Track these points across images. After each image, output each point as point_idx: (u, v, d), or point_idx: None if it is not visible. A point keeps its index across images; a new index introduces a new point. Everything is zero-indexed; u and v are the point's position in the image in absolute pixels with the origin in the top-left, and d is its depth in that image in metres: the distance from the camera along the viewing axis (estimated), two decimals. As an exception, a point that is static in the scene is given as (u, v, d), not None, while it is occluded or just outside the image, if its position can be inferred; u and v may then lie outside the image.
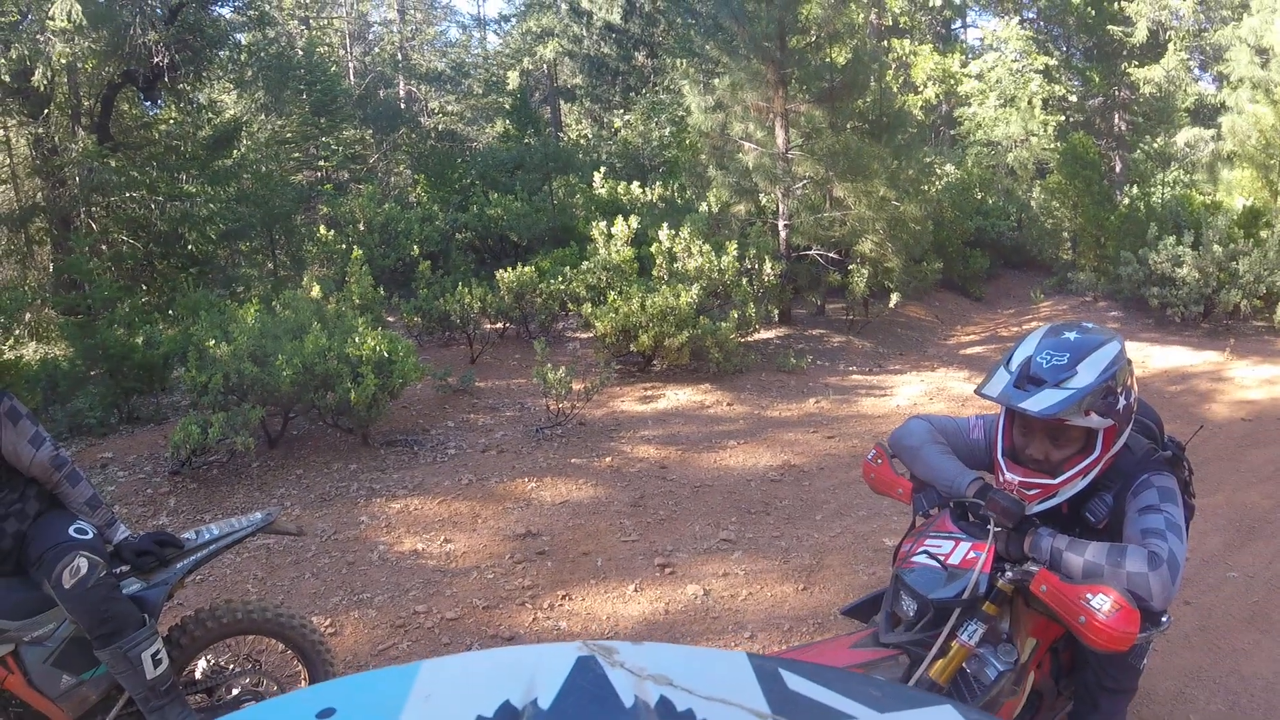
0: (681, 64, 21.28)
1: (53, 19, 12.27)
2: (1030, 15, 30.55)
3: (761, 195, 14.70)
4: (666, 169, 21.24)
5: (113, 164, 14.02)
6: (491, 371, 11.22)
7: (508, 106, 27.32)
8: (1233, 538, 6.51)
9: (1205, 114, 27.56)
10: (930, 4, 28.65)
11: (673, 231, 12.33)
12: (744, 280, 12.44)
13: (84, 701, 3.30)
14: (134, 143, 15.59)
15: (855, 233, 14.02)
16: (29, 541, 3.23)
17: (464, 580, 5.88)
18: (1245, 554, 6.21)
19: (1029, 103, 24.71)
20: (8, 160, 14.75)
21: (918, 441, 3.01)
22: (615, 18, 28.89)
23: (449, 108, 35.43)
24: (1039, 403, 2.49)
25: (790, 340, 13.77)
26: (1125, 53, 26.27)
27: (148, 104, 16.67)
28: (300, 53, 24.84)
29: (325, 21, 36.29)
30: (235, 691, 3.87)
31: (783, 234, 14.28)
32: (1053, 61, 27.54)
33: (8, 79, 13.17)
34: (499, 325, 12.66)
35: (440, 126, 32.17)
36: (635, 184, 18.00)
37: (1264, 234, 15.72)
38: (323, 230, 14.93)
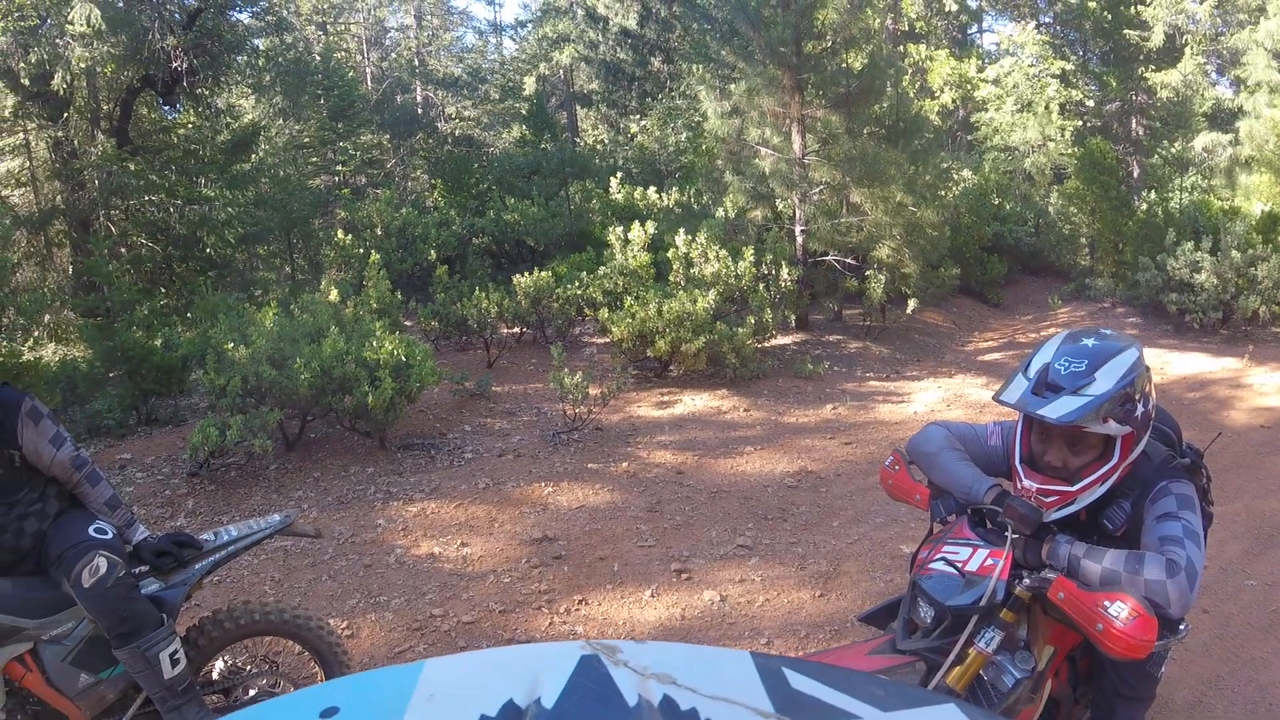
0: (697, 69, 21.27)
1: (72, 24, 12.35)
2: (1046, 20, 30.43)
3: (778, 201, 14.68)
4: (683, 174, 21.23)
5: (132, 168, 14.10)
6: (508, 376, 11.23)
7: (524, 112, 27.39)
8: (1251, 546, 6.45)
9: (1223, 118, 27.38)
10: (946, 9, 28.58)
11: (689, 237, 12.32)
12: (761, 286, 12.43)
13: (101, 700, 3.31)
14: (153, 147, 15.67)
15: (872, 238, 13.98)
16: (49, 540, 3.24)
17: (480, 584, 5.87)
18: (1264, 562, 6.15)
19: (1046, 107, 24.62)
20: (28, 163, 14.83)
21: (935, 448, 3.00)
22: (631, 23, 28.89)
23: (466, 113, 35.49)
24: (1057, 409, 2.47)
25: (807, 346, 13.74)
26: (1142, 57, 26.13)
27: (166, 108, 16.75)
28: (318, 58, 24.96)
29: (342, 27, 36.43)
30: (252, 692, 3.87)
31: (799, 239, 14.26)
32: (1069, 66, 27.43)
33: (28, 83, 13.25)
34: (516, 330, 12.68)
35: (457, 132, 32.23)
36: (652, 189, 17.98)
37: (1282, 239, 15.64)
38: (340, 234, 14.99)
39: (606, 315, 11.35)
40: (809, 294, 14.69)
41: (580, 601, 5.63)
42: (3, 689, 3.11)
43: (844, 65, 14.21)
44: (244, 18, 17.32)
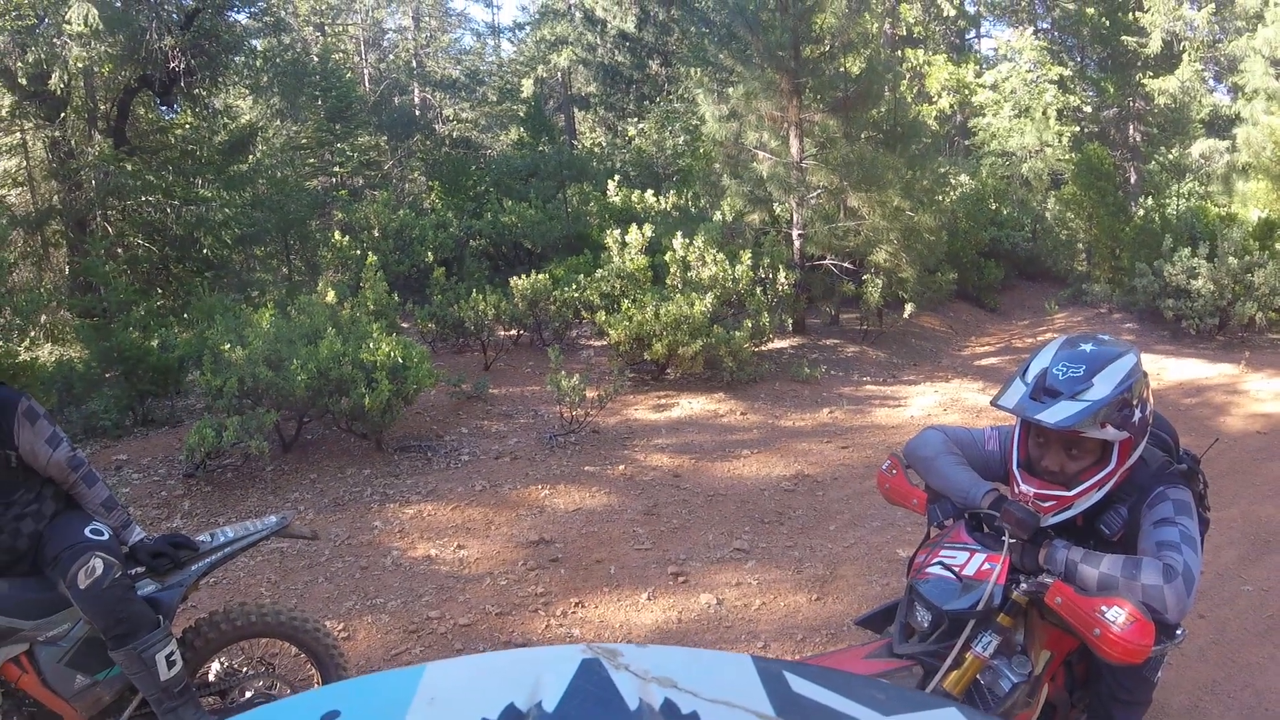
0: (696, 73, 21.26)
1: (69, 23, 12.33)
2: (1044, 26, 30.52)
3: (776, 204, 14.69)
4: (680, 177, 21.24)
5: (129, 168, 14.08)
6: (505, 378, 11.22)
7: (522, 114, 27.41)
8: (1247, 551, 6.46)
9: (1220, 125, 27.43)
10: (944, 14, 28.63)
11: (687, 240, 12.33)
12: (758, 289, 12.44)
13: (98, 702, 3.31)
14: (150, 147, 15.64)
15: (870, 242, 13.99)
16: (45, 541, 3.23)
17: (477, 586, 5.87)
18: (1260, 568, 6.15)
19: (1043, 113, 24.64)
20: (24, 163, 14.80)
21: (933, 452, 3.00)
22: (629, 26, 28.90)
23: (463, 115, 35.48)
24: (1055, 414, 2.48)
25: (804, 350, 13.75)
26: (1140, 63, 26.20)
27: (164, 109, 16.72)
28: (315, 59, 24.94)
29: (340, 28, 36.42)
30: (248, 694, 3.87)
31: (797, 243, 14.26)
32: (1067, 72, 27.52)
33: (25, 82, 13.24)
34: (513, 332, 12.67)
35: (455, 133, 32.23)
36: (649, 192, 18.00)
37: (1279, 246, 15.64)
38: (337, 236, 14.99)
39: (604, 318, 11.35)
40: (806, 298, 14.69)
41: (577, 604, 5.63)
42: (-1, 690, 3.10)
43: (842, 70, 14.22)
44: (241, 18, 17.34)
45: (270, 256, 17.89)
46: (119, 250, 14.45)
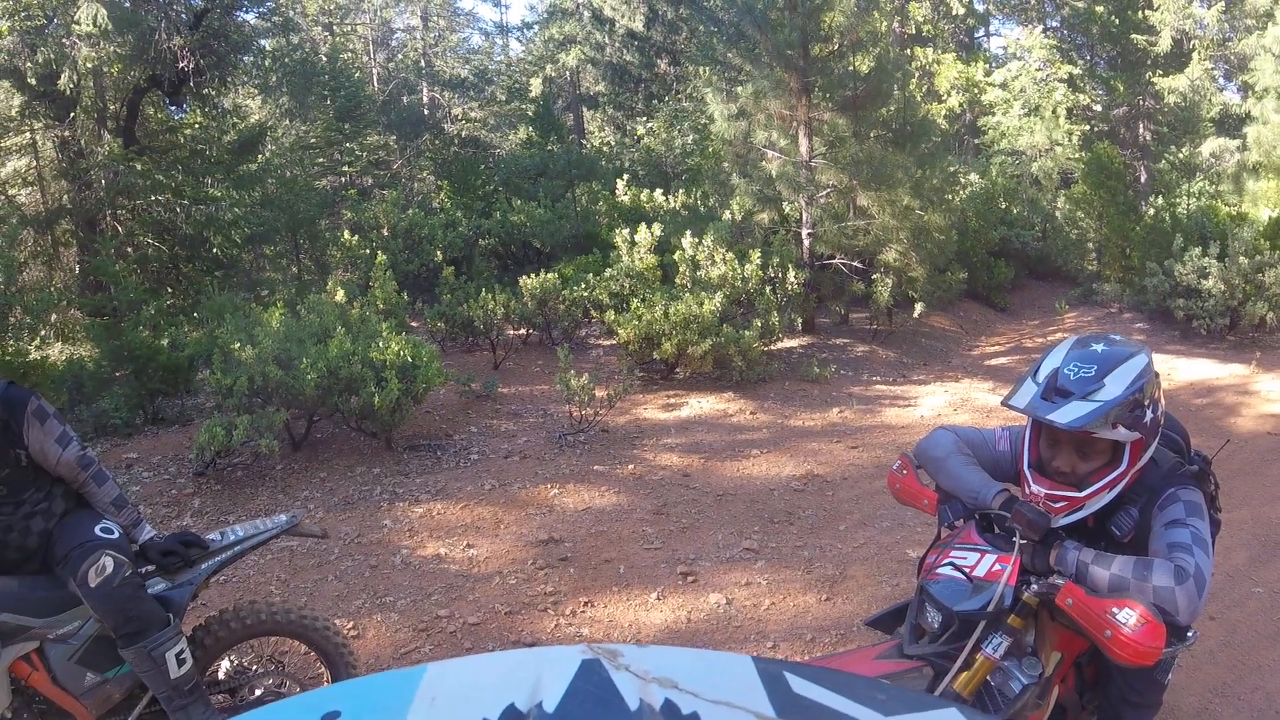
0: (704, 72, 21.24)
1: (79, 23, 12.34)
2: (1054, 24, 30.46)
3: (785, 203, 14.67)
4: (689, 176, 21.23)
5: (138, 167, 14.11)
6: (514, 378, 11.22)
7: (530, 113, 27.36)
8: (1258, 553, 6.43)
9: (1230, 124, 27.29)
10: (953, 12, 28.58)
11: (696, 239, 12.31)
12: (767, 289, 12.42)
13: (108, 699, 3.31)
14: (159, 146, 15.67)
15: (879, 242, 13.97)
16: (55, 540, 3.23)
17: (486, 585, 5.87)
18: (1271, 570, 6.12)
19: (1053, 112, 24.58)
20: (34, 163, 14.85)
21: (943, 452, 2.99)
22: (638, 25, 28.93)
23: (472, 114, 35.50)
24: (1066, 415, 2.46)
25: (814, 349, 13.74)
26: (1150, 62, 26.12)
27: (173, 108, 16.75)
28: (324, 59, 24.97)
29: (349, 28, 36.47)
30: (258, 692, 3.86)
31: (806, 242, 14.25)
32: (1077, 70, 27.45)
33: (34, 82, 13.25)
34: (522, 331, 12.68)
35: (463, 133, 32.23)
36: (658, 191, 18.00)
37: (1290, 245, 15.59)
38: (347, 235, 15.00)
39: (613, 317, 11.34)
40: (815, 297, 14.67)
41: (586, 604, 5.62)
42: (9, 688, 3.10)
43: (851, 68, 14.18)
44: (250, 18, 17.30)
45: (280, 256, 17.94)
46: (129, 249, 14.49)
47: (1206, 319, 15.30)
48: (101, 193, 13.91)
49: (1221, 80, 29.67)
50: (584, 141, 30.18)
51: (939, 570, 2.72)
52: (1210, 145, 25.74)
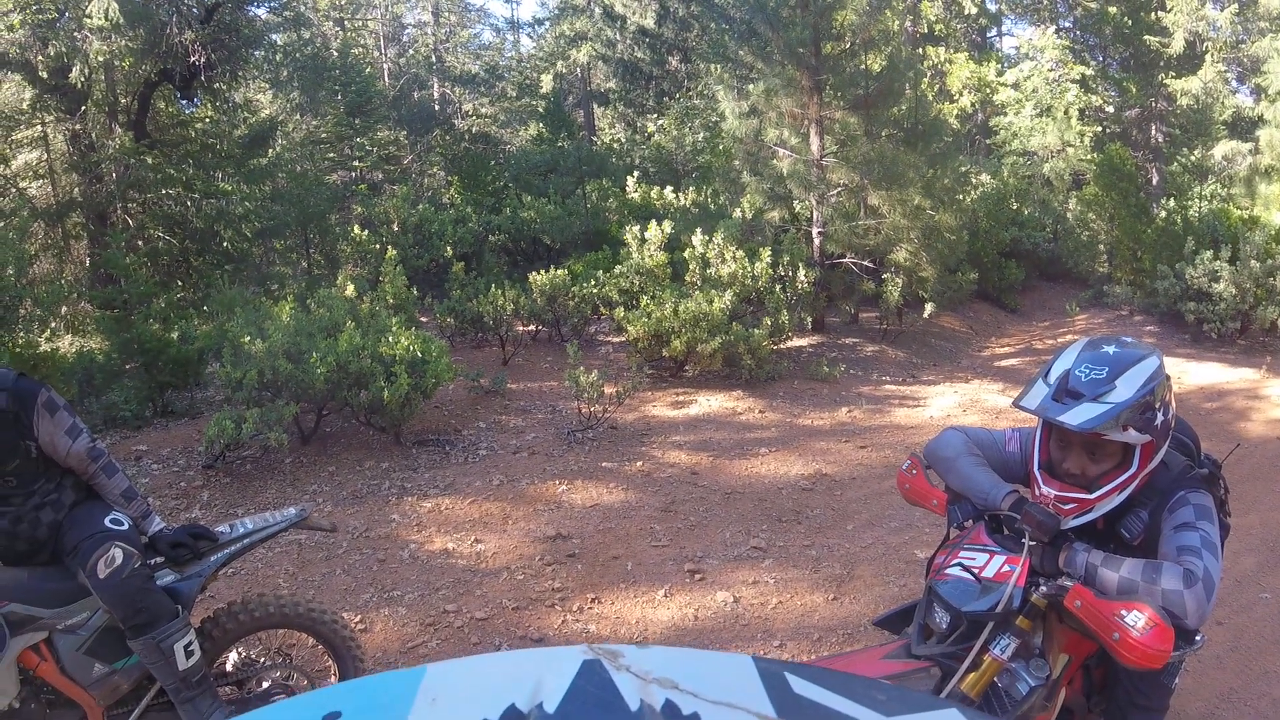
0: (715, 69, 21.25)
1: (90, 17, 12.38)
2: (1066, 24, 30.35)
3: (795, 202, 14.66)
4: (700, 174, 21.21)
5: (149, 161, 14.16)
6: (523, 374, 11.23)
7: (541, 110, 27.42)
8: (1266, 558, 6.41)
9: (1243, 127, 27.16)
10: (966, 12, 28.50)
11: (706, 237, 12.30)
12: (777, 287, 12.40)
13: (115, 690, 3.32)
14: (170, 140, 15.72)
15: (890, 241, 13.94)
16: (64, 531, 3.24)
17: (494, 581, 5.87)
18: (1278, 575, 6.11)
19: (1065, 113, 24.49)
20: (46, 156, 14.90)
21: (953, 453, 2.98)
22: (649, 22, 28.91)
23: (483, 110, 35.55)
24: (1077, 416, 2.45)
25: (823, 349, 13.71)
26: (1162, 64, 26.00)
27: (184, 102, 16.78)
28: (335, 54, 25.01)
29: (360, 23, 36.56)
30: (266, 685, 3.88)
31: (816, 241, 14.23)
32: (1089, 71, 27.33)
33: (46, 76, 13.31)
34: (531, 328, 12.68)
35: (474, 129, 32.30)
36: (669, 189, 17.98)
37: (1302, 250, 15.51)
38: (357, 230, 15.04)
39: (622, 314, 11.34)
40: (825, 296, 14.65)
41: (593, 600, 5.62)
42: (17, 678, 3.10)
43: (863, 67, 14.16)
44: (261, 12, 17.35)
45: (290, 250, 17.99)
46: (139, 243, 14.52)
47: (1217, 322, 15.23)
48: (112, 186, 13.96)
49: (1234, 83, 29.55)
50: (594, 138, 30.15)
51: (948, 571, 2.71)
52: (1222, 148, 25.62)
